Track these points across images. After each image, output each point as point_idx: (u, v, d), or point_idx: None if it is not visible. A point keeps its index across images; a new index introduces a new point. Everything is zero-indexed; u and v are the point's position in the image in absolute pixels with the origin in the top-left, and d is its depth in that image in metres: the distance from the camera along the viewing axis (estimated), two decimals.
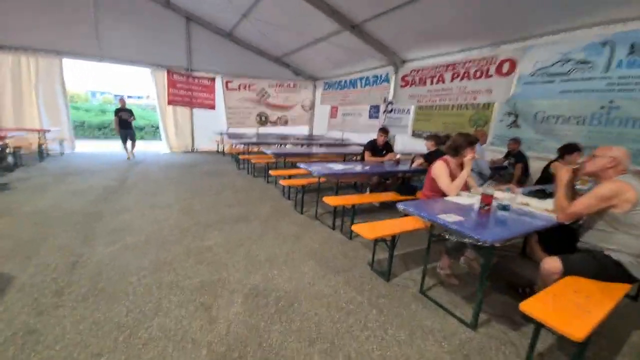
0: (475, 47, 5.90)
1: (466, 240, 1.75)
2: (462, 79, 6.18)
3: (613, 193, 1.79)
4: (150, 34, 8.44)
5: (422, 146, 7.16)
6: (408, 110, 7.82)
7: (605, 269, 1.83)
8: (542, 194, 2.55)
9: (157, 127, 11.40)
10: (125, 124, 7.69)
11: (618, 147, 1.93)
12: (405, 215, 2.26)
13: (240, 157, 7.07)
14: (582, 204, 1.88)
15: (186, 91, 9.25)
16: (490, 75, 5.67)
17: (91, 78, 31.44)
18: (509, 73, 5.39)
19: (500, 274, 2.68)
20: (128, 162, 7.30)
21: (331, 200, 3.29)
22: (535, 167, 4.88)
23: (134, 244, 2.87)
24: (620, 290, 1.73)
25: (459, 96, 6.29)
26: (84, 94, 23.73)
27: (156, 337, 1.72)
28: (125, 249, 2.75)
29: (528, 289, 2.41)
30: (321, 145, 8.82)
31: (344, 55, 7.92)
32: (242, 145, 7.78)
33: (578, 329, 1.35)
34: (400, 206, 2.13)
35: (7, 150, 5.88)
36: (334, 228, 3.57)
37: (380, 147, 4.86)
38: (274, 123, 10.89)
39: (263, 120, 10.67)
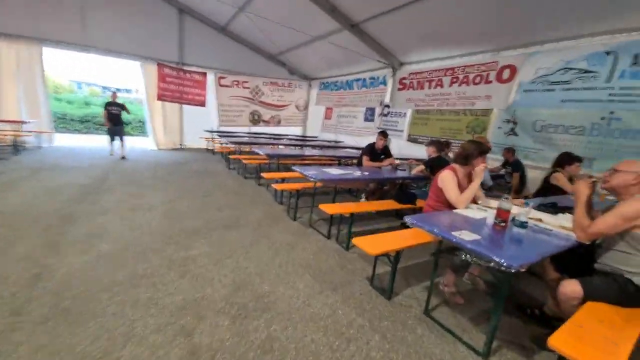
0: (476, 52, 5.80)
1: (482, 262, 1.57)
2: (461, 84, 6.07)
3: (638, 214, 1.64)
4: (141, 25, 8.06)
5: (418, 151, 7.11)
6: (404, 114, 7.69)
7: (627, 295, 1.68)
8: (553, 209, 2.40)
9: (145, 123, 10.95)
10: (115, 119, 7.07)
11: None
12: (403, 224, 2.06)
13: (231, 156, 6.78)
14: (605, 224, 1.72)
15: (177, 86, 8.87)
16: (490, 81, 5.57)
17: (77, 68, 29.85)
18: (509, 80, 5.30)
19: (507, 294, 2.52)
20: (111, 159, 6.91)
21: (328, 208, 3.08)
22: (532, 177, 4.80)
23: (109, 252, 2.58)
24: None
25: (457, 101, 6.18)
26: (68, 84, 22.81)
27: None
28: (98, 259, 2.46)
29: (537, 310, 2.26)
30: (315, 146, 8.59)
31: (341, 55, 7.73)
32: (233, 145, 7.47)
33: None
34: (407, 219, 1.93)
35: None
36: (329, 237, 3.36)
37: (379, 152, 4.68)
38: (267, 122, 10.60)
39: (256, 119, 10.38)
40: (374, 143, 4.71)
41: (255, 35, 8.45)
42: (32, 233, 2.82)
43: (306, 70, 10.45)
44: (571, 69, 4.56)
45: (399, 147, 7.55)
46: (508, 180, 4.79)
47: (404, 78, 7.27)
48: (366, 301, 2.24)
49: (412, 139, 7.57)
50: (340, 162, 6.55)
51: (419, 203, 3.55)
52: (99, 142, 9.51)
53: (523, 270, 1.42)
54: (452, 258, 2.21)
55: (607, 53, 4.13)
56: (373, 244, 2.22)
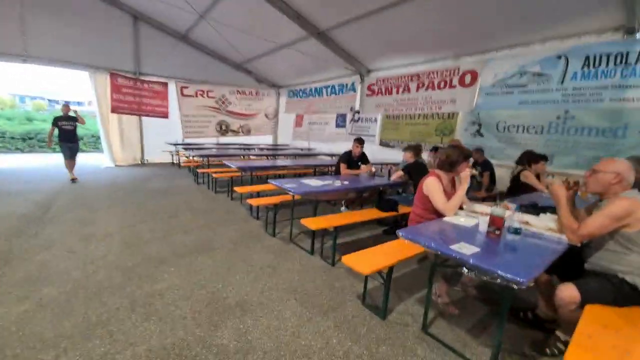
0: (438, 58, 6.01)
1: (486, 277, 1.47)
2: (427, 88, 6.24)
3: (626, 213, 1.65)
4: (90, 33, 7.37)
5: (390, 155, 7.18)
6: (375, 119, 7.78)
7: (623, 295, 1.68)
8: (535, 209, 2.43)
9: (99, 138, 10.00)
10: (69, 136, 5.98)
11: (621, 161, 1.82)
12: (385, 231, 1.94)
13: (199, 170, 6.34)
14: (594, 225, 1.71)
15: (134, 97, 8.21)
16: (454, 86, 5.78)
17: (19, 81, 26.73)
18: (471, 84, 5.53)
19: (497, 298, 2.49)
20: (60, 182, 6.09)
21: (311, 223, 2.88)
22: (498, 175, 5.00)
23: (54, 298, 2.15)
24: None
25: (424, 106, 6.35)
26: (9, 99, 20.46)
27: None
28: (39, 308, 2.03)
29: (530, 314, 2.24)
30: (288, 156, 8.37)
31: (309, 62, 7.65)
32: (201, 157, 7.01)
33: None
34: (400, 234, 1.80)
35: None
36: (312, 252, 3.15)
37: (355, 159, 4.59)
38: (236, 132, 10.20)
39: (224, 129, 9.93)
40: (351, 151, 4.63)
41: (218, 43, 8.10)
42: None
43: (274, 78, 10.25)
44: (526, 72, 4.84)
45: (372, 152, 7.55)
46: (479, 180, 4.93)
47: (372, 84, 7.35)
48: (360, 324, 2.07)
49: (384, 144, 7.66)
50: (315, 171, 6.39)
51: (401, 209, 3.49)
52: (44, 161, 8.47)
53: (532, 284, 1.33)
54: (446, 270, 2.12)
55: (559, 57, 4.44)
56: (363, 261, 2.07)
